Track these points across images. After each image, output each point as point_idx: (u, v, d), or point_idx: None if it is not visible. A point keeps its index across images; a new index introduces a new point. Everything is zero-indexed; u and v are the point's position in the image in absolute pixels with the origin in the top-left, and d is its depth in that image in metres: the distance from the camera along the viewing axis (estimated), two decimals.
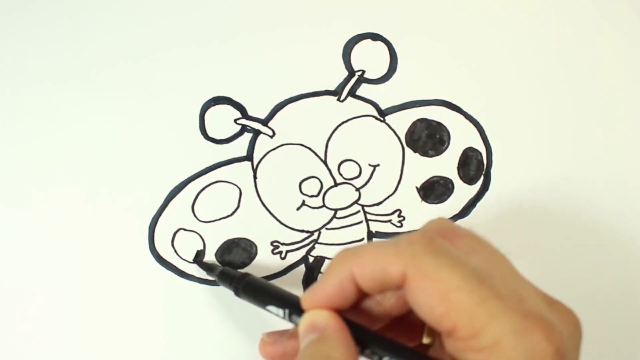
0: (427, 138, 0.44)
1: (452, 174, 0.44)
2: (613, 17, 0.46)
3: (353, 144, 0.43)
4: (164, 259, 0.41)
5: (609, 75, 0.45)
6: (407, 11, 0.45)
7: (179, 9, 0.44)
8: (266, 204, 0.42)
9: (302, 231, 0.43)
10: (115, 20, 0.44)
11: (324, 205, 0.43)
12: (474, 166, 0.44)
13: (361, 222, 0.43)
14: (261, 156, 0.43)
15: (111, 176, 0.42)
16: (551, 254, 0.43)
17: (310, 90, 0.43)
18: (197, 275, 0.41)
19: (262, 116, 0.43)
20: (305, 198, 0.43)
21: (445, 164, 0.43)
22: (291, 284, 0.42)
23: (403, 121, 0.44)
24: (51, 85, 0.43)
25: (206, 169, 0.42)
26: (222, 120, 0.43)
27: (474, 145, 0.44)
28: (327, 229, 0.43)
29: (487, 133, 0.44)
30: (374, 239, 0.43)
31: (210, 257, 0.42)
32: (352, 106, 0.44)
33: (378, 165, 0.43)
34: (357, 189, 0.43)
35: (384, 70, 0.44)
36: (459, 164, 0.44)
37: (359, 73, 0.44)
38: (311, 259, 0.43)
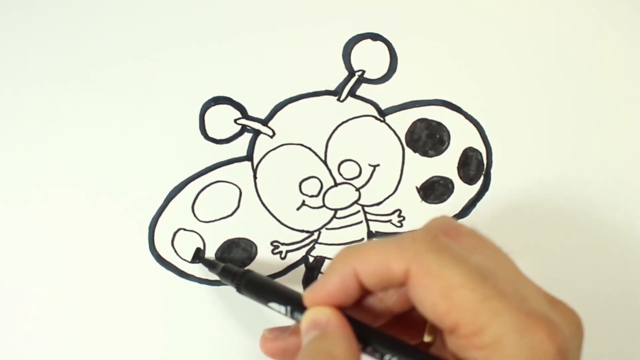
0: (427, 138, 0.44)
1: (452, 174, 0.44)
2: (613, 17, 0.46)
3: (353, 144, 0.43)
4: (164, 259, 0.41)
5: (609, 75, 0.45)
6: (407, 11, 0.45)
7: (179, 9, 0.44)
8: (266, 204, 0.42)
9: (302, 231, 0.43)
10: (115, 20, 0.44)
11: (324, 205, 0.43)
12: (474, 166, 0.44)
13: (361, 222, 0.43)
14: (261, 156, 0.43)
15: (111, 176, 0.42)
16: (551, 254, 0.43)
17: (310, 90, 0.43)
18: (197, 275, 0.41)
19: (262, 116, 0.43)
20: (305, 198, 0.43)
21: (445, 164, 0.44)
22: (291, 284, 0.41)
23: (403, 121, 0.44)
24: (51, 85, 0.43)
25: (206, 169, 0.42)
26: (222, 120, 0.43)
27: (474, 145, 0.44)
28: (327, 229, 0.43)
29: (487, 133, 0.44)
30: (374, 239, 0.43)
31: (210, 257, 0.42)
32: (352, 106, 0.44)
33: (378, 165, 0.43)
34: (357, 189, 0.43)
35: (384, 70, 0.44)
36: (459, 164, 0.44)
37: (359, 73, 0.44)
38: (311, 259, 0.43)
